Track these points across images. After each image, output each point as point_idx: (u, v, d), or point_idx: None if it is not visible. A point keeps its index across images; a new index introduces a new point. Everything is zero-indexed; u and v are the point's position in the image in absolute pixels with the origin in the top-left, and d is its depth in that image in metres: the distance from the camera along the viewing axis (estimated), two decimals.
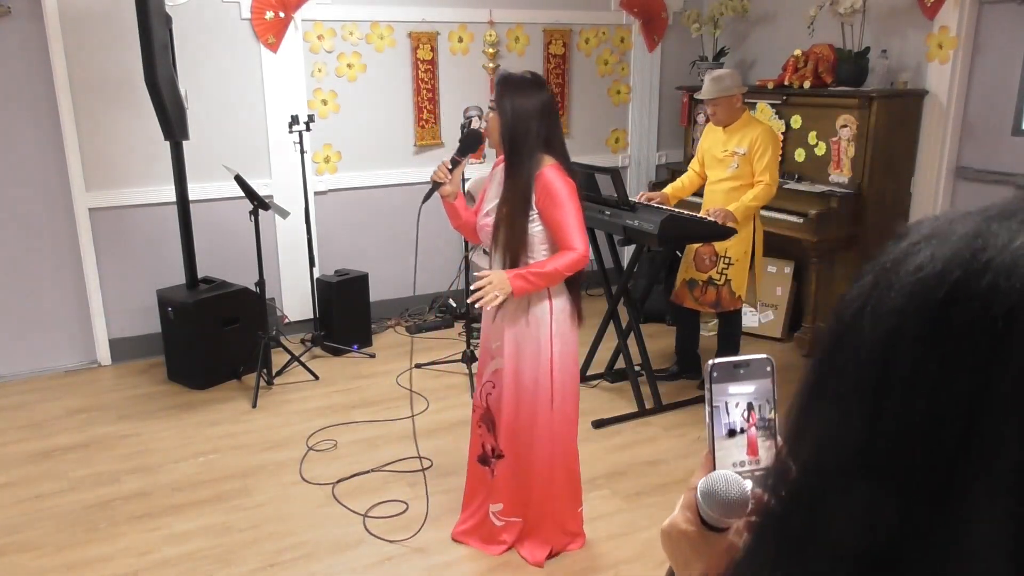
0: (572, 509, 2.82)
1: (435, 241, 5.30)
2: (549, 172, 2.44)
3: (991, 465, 0.45)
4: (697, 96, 4.19)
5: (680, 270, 4.15)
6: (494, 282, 2.42)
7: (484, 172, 4.37)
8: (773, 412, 0.75)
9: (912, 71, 4.53)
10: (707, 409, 0.75)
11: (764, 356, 0.75)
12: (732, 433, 0.74)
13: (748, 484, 0.72)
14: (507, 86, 2.48)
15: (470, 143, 2.67)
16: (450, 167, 2.62)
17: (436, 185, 2.63)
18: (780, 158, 4.87)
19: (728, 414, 0.75)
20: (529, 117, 2.45)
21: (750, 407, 0.75)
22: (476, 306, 2.43)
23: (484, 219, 2.60)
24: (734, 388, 0.75)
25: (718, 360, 0.75)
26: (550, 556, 2.77)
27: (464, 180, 4.48)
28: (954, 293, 0.47)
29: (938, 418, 0.46)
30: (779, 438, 0.74)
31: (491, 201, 2.60)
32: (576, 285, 2.63)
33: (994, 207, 0.51)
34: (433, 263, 5.34)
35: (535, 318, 2.54)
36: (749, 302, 4.06)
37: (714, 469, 0.73)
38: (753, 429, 0.75)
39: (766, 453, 0.74)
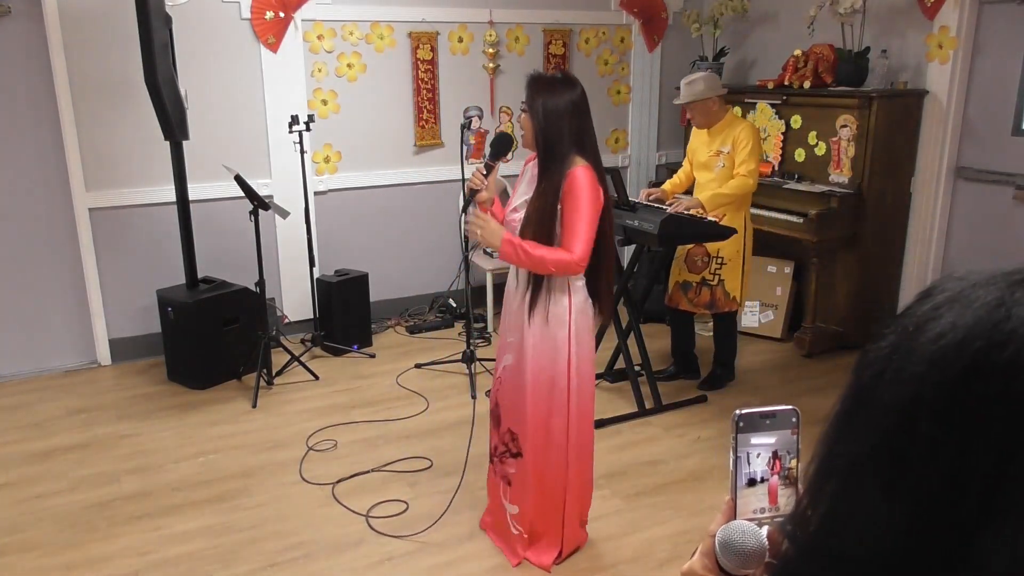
0: (582, 512, 2.83)
1: (435, 241, 5.30)
2: (580, 172, 2.43)
3: (1009, 546, 0.43)
4: (675, 102, 4.21)
5: (672, 273, 4.14)
6: (487, 229, 2.44)
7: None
8: (795, 461, 0.76)
9: (912, 71, 4.53)
10: (731, 457, 0.75)
11: (790, 407, 0.76)
12: (752, 483, 0.75)
13: (765, 531, 0.72)
14: (537, 87, 2.46)
15: (502, 147, 2.63)
16: (484, 173, 2.57)
17: (474, 193, 2.59)
18: (780, 158, 4.88)
19: (749, 464, 0.75)
20: (561, 116, 2.43)
21: (775, 455, 0.76)
22: (466, 230, 2.47)
23: (512, 214, 2.59)
24: (757, 439, 0.75)
25: (744, 411, 0.75)
26: (558, 559, 2.76)
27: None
28: (975, 364, 0.46)
29: (955, 493, 0.45)
30: (800, 486, 0.74)
31: (521, 196, 2.59)
32: (598, 286, 2.60)
33: (1021, 271, 0.49)
34: (433, 263, 5.34)
35: (555, 317, 2.53)
36: (740, 303, 4.05)
37: (734, 518, 0.74)
38: (775, 477, 0.75)
39: (785, 501, 0.75)
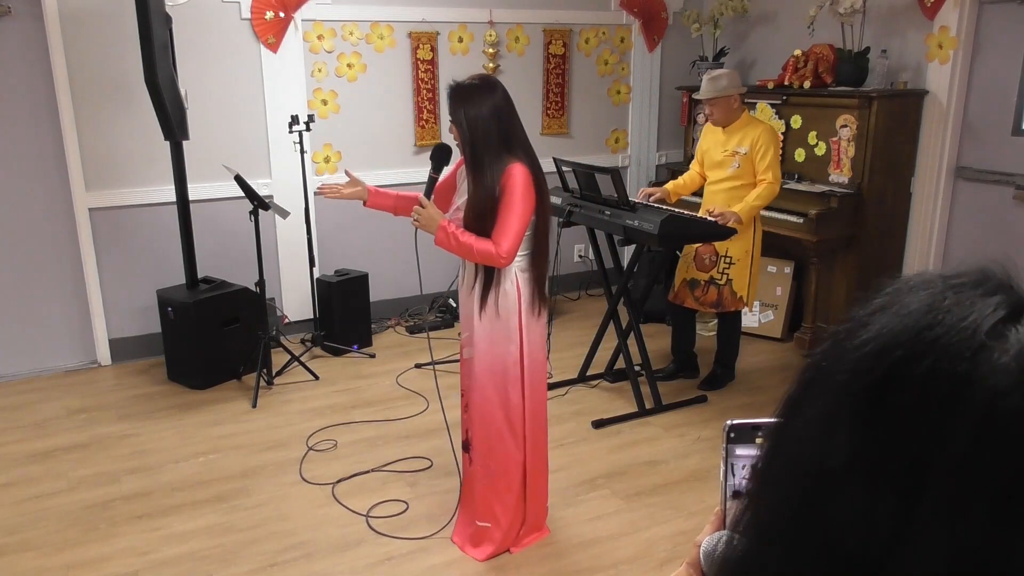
0: (543, 501, 2.86)
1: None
2: (516, 170, 2.48)
3: (924, 561, 0.43)
4: (695, 96, 4.20)
5: (679, 270, 4.14)
6: (424, 215, 2.51)
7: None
8: None
9: (912, 71, 4.53)
10: (722, 468, 0.74)
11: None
12: (737, 495, 0.74)
13: None
14: (457, 96, 2.50)
15: (442, 158, 2.67)
16: (427, 186, 2.62)
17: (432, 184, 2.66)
18: (781, 159, 4.88)
19: (734, 475, 0.74)
20: (485, 122, 2.47)
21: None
22: (412, 223, 2.55)
23: (456, 213, 2.62)
24: (744, 451, 0.74)
25: (736, 421, 0.74)
26: (502, 552, 2.79)
27: None
28: (891, 375, 0.45)
29: (871, 510, 0.44)
30: None
31: (462, 196, 2.64)
32: (541, 276, 2.66)
33: (961, 275, 0.48)
34: (433, 263, 5.33)
35: (504, 309, 2.59)
36: (747, 303, 4.05)
37: (724, 528, 0.73)
38: None
39: None
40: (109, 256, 4.45)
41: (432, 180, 2.63)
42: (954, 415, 0.43)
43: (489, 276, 2.57)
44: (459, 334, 2.79)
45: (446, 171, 2.71)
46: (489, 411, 2.66)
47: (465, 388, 2.80)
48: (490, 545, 2.77)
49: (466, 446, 2.84)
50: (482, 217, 2.49)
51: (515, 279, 2.59)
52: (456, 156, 2.69)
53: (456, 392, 4.11)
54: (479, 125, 2.46)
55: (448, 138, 2.72)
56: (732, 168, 3.89)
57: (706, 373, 4.25)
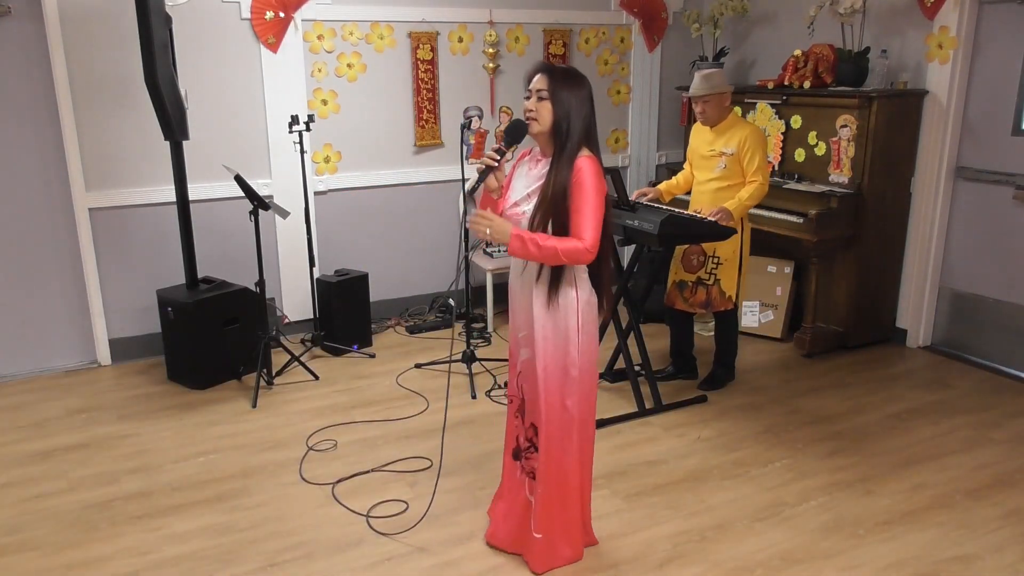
0: (587, 505, 2.84)
1: (435, 241, 5.30)
2: (585, 161, 2.44)
3: None
4: (686, 94, 4.21)
5: (670, 272, 4.14)
6: (496, 226, 2.42)
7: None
8: None
9: (912, 71, 4.53)
10: None
11: None
12: None
13: None
14: (558, 77, 2.48)
15: (517, 133, 2.60)
16: (497, 158, 2.55)
17: (488, 171, 2.56)
18: (780, 158, 4.89)
19: None
20: (580, 107, 2.47)
21: None
22: (469, 227, 2.43)
23: (513, 209, 2.57)
24: None
25: None
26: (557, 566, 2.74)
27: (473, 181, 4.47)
28: None
29: None
30: None
31: (520, 192, 2.58)
32: (600, 278, 2.60)
33: None
34: (433, 263, 5.35)
35: (562, 309, 2.53)
36: (737, 303, 4.05)
37: None
38: None
39: None
40: (109, 256, 4.45)
41: (501, 152, 2.53)
42: None
43: (556, 275, 2.51)
44: (519, 335, 2.69)
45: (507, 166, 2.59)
46: (553, 413, 2.59)
47: (516, 391, 2.73)
48: (543, 557, 2.70)
49: (517, 454, 2.77)
50: (556, 200, 2.42)
51: (574, 280, 2.53)
52: (523, 146, 2.63)
53: (458, 392, 4.13)
54: (575, 107, 2.45)
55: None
56: (719, 168, 3.90)
57: (706, 373, 4.25)
